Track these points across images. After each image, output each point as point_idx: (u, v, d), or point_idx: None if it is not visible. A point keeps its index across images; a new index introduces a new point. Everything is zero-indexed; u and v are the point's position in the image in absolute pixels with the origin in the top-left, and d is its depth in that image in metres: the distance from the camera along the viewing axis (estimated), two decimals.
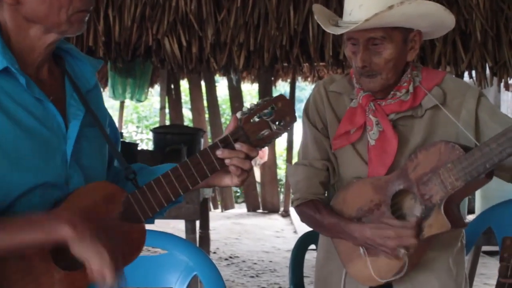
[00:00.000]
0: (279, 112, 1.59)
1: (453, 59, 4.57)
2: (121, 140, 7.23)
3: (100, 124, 1.62)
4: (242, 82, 9.14)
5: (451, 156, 2.00)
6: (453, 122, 2.14)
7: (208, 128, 9.04)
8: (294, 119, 1.63)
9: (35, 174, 1.45)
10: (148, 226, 1.64)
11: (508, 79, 4.73)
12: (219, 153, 1.56)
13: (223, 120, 9.81)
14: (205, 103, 9.19)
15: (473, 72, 4.78)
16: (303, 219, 2.33)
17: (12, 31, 1.49)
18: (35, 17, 1.47)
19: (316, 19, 2.23)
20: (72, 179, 1.52)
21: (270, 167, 9.01)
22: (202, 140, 6.84)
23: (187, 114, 10.00)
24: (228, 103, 9.81)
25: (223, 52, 4.33)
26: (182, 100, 9.39)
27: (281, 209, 9.32)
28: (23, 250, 1.40)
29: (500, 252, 2.58)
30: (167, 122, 9.15)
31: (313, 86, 7.22)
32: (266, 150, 8.90)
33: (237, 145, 1.56)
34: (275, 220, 8.97)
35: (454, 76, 2.25)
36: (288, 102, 1.62)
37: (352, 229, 2.16)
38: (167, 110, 9.11)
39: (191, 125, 9.40)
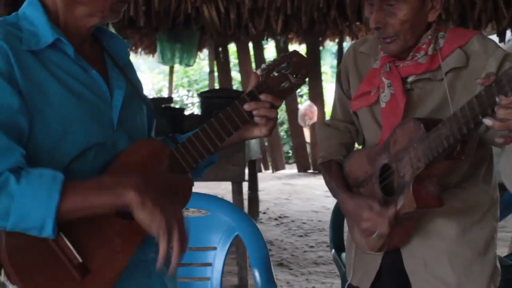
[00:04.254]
0: (295, 66, 1.71)
1: (494, 16, 4.48)
2: (170, 105, 7.43)
3: (139, 94, 1.77)
4: (290, 43, 9.14)
5: (416, 135, 1.91)
6: (474, 85, 1.99)
7: None
8: (309, 70, 1.74)
9: (87, 136, 1.57)
10: (193, 189, 1.74)
11: None
12: (247, 106, 1.67)
13: None
14: (253, 65, 9.23)
15: None
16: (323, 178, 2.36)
17: (60, 9, 1.61)
18: (82, 0, 1.59)
19: None
20: (119, 142, 1.65)
21: (319, 127, 8.99)
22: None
23: (236, 76, 10.05)
24: None
25: (261, 17, 4.36)
26: (231, 63, 9.46)
27: None
28: (93, 212, 1.50)
29: None
30: (217, 86, 9.25)
31: None
32: (315, 110, 8.92)
33: (262, 96, 1.67)
34: None
35: (486, 37, 2.12)
36: (301, 56, 1.72)
37: (341, 199, 2.18)
38: (216, 74, 9.21)
39: (240, 88, 9.48)
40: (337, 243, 3.05)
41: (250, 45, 8.97)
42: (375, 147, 2.14)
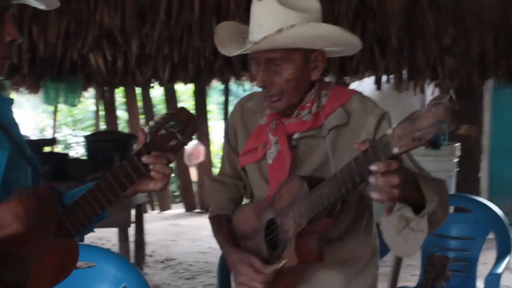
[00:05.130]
0: (182, 123, 1.73)
1: (371, 65, 4.73)
2: (54, 147, 7.25)
3: (24, 154, 1.73)
4: (176, 82, 9.17)
5: (300, 192, 1.97)
6: (354, 142, 2.03)
7: None
8: (196, 128, 1.76)
9: None
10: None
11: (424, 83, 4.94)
12: (145, 159, 1.67)
13: None
14: (140, 103, 9.19)
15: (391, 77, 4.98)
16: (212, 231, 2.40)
17: None
18: None
19: (215, 39, 2.21)
20: None
21: (206, 166, 9.07)
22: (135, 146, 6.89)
23: (122, 116, 9.96)
24: (164, 104, 9.83)
25: (148, 64, 4.40)
26: (117, 102, 9.36)
27: None
28: None
29: (425, 266, 2.80)
30: (102, 124, 9.14)
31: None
32: (202, 149, 8.97)
33: (154, 153, 1.69)
34: None
35: (364, 96, 2.22)
36: (188, 113, 1.75)
37: (226, 252, 2.25)
38: (101, 113, 9.09)
39: (126, 127, 9.40)
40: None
41: None
42: (262, 201, 2.20)
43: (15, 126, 1.77)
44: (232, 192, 2.41)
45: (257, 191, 2.32)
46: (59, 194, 1.72)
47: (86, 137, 6.68)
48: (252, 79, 5.57)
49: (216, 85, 9.59)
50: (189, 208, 9.40)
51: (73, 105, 8.42)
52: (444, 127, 1.46)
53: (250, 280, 2.09)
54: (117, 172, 1.68)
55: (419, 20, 4.58)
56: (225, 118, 8.94)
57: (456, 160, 6.04)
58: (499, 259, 3.46)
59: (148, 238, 6.79)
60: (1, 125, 1.68)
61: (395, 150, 1.56)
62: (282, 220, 2.05)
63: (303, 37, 2.00)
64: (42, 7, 1.74)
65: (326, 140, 2.13)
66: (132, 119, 9.00)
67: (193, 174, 9.17)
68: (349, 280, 2.20)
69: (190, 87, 9.22)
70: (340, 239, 2.20)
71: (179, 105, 9.26)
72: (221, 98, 14.91)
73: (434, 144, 1.51)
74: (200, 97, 8.93)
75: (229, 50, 2.14)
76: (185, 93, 11.14)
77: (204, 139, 9.13)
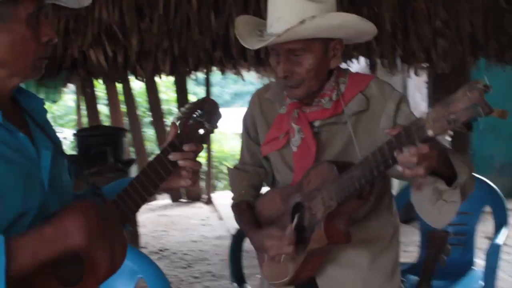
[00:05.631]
0: (208, 112, 1.79)
1: (366, 50, 4.81)
2: None
3: (63, 152, 1.77)
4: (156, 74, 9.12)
5: (329, 176, 2.03)
6: (375, 127, 2.18)
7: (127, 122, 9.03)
8: (220, 115, 1.82)
9: (21, 201, 1.55)
10: None
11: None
12: (171, 156, 1.73)
13: (139, 113, 9.75)
14: (120, 97, 9.13)
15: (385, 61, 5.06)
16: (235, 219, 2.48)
17: None
18: (3, 62, 1.57)
19: (236, 33, 2.24)
20: (50, 205, 1.63)
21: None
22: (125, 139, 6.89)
23: (103, 110, 9.88)
24: (144, 96, 9.79)
25: (148, 59, 4.42)
26: (97, 96, 9.29)
27: (204, 196, 9.45)
28: (44, 261, 1.47)
29: (426, 242, 2.92)
30: (84, 120, 9.07)
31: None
32: None
33: (185, 147, 1.75)
34: (199, 208, 9.09)
35: (381, 80, 2.30)
36: (213, 102, 1.81)
37: (250, 236, 2.32)
38: (82, 107, 9.02)
39: (107, 121, 9.34)
40: (238, 276, 3.18)
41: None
42: (288, 187, 2.27)
43: (49, 125, 1.81)
44: (254, 179, 2.47)
45: (281, 178, 2.38)
46: (99, 189, 1.76)
47: (76, 133, 6.66)
48: (251, 70, 5.63)
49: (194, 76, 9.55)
50: (175, 198, 9.42)
51: (53, 101, 8.37)
52: (479, 109, 1.57)
53: (278, 249, 2.15)
54: (147, 171, 1.73)
55: (411, 5, 4.69)
56: None
57: (448, 138, 6.16)
58: (497, 230, 3.61)
59: (140, 229, 6.83)
60: (41, 126, 1.71)
61: (430, 132, 1.66)
62: (310, 203, 2.11)
63: (324, 27, 2.06)
64: (75, 6, 1.75)
65: (347, 126, 2.20)
66: (114, 113, 8.94)
67: None
68: (374, 257, 2.30)
69: (170, 78, 9.19)
70: (364, 219, 2.28)
71: (160, 96, 9.27)
72: (197, 89, 14.99)
73: (467, 125, 1.62)
74: (181, 88, 8.92)
75: (251, 43, 2.18)
76: (165, 84, 11.09)
77: None
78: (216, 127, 1.82)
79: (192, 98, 9.53)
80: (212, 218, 8.37)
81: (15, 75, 1.60)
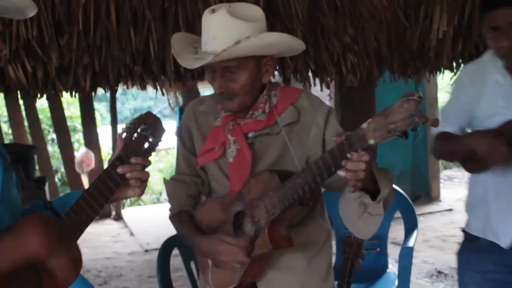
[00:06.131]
0: (152, 126, 1.89)
1: (280, 66, 4.98)
2: None
3: (11, 166, 1.81)
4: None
5: (271, 184, 2.11)
6: (306, 137, 2.29)
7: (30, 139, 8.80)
8: (164, 130, 1.92)
9: None
10: None
11: (328, 79, 5.25)
12: (120, 169, 1.81)
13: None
14: (23, 114, 8.89)
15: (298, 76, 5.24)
16: (175, 229, 2.52)
17: None
18: None
19: (172, 52, 2.28)
20: (2, 219, 1.68)
21: (97, 172, 8.89)
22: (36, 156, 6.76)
23: (3, 128, 9.56)
24: (45, 113, 9.56)
25: (69, 75, 4.40)
26: None
27: (113, 213, 9.36)
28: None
29: (342, 248, 3.08)
30: None
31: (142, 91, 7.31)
32: (92, 156, 8.88)
33: (133, 160, 1.83)
34: (109, 225, 8.98)
35: (311, 93, 2.41)
36: (154, 116, 1.90)
37: (196, 242, 2.35)
38: None
39: (9, 138, 9.08)
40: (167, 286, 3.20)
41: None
42: (227, 196, 2.34)
43: None
44: (191, 189, 2.53)
45: (218, 188, 2.45)
46: (51, 204, 1.83)
47: None
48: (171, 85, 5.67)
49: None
50: None
51: None
52: (416, 119, 1.72)
53: (231, 255, 2.22)
54: (97, 184, 1.80)
55: (320, 21, 4.85)
56: (113, 123, 8.86)
57: None
58: (408, 234, 3.83)
59: None
60: None
61: (371, 141, 1.82)
62: (253, 212, 2.19)
63: (257, 46, 2.14)
64: (20, 17, 1.80)
65: (280, 136, 2.30)
66: (17, 131, 8.69)
67: (85, 181, 9.07)
68: (310, 260, 2.41)
69: (76, 99, 9.02)
70: (300, 224, 2.38)
71: (66, 113, 9.11)
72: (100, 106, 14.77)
73: (404, 133, 1.78)
74: (87, 105, 8.83)
75: (187, 61, 2.23)
76: (67, 101, 10.87)
77: (94, 146, 9.03)
78: (161, 140, 1.91)
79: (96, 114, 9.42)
80: (123, 234, 8.28)
81: None
